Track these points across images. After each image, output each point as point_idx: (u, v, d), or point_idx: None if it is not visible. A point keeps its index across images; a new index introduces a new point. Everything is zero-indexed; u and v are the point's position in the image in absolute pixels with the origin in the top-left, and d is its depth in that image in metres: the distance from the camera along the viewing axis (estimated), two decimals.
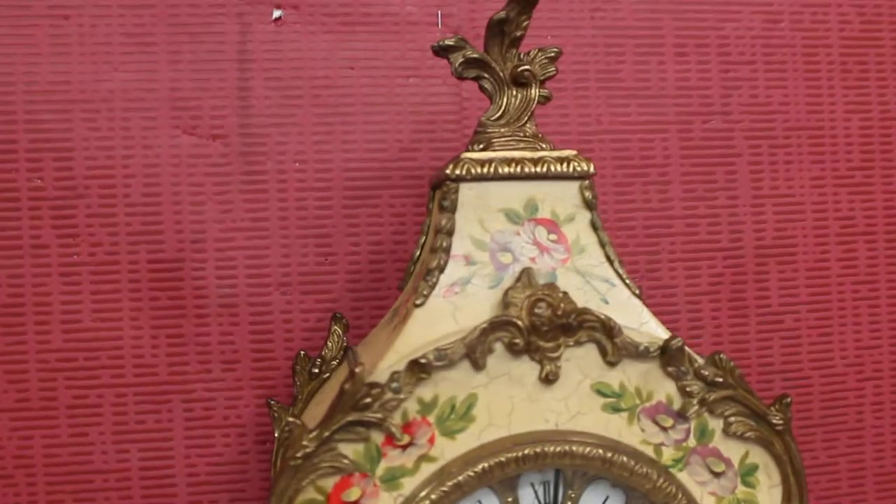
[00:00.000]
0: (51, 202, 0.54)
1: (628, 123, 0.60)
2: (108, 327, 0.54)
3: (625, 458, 0.40)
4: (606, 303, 0.42)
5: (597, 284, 0.42)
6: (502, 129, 0.45)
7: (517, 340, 0.39)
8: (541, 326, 0.39)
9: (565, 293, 0.40)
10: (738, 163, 0.62)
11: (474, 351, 0.39)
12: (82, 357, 0.54)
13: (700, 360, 0.40)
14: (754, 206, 0.62)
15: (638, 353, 0.40)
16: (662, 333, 0.42)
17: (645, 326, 0.42)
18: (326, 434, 0.38)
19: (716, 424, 0.41)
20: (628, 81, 0.60)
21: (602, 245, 0.43)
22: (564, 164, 0.43)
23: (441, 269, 0.42)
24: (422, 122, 0.58)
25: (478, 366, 0.39)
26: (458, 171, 0.42)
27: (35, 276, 0.54)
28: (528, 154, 0.43)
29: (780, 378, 0.63)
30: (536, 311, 0.39)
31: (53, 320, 0.54)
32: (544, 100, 0.48)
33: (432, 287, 0.42)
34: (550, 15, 0.59)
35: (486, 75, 0.46)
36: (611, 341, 0.40)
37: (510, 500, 0.42)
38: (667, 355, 0.40)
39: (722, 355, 0.41)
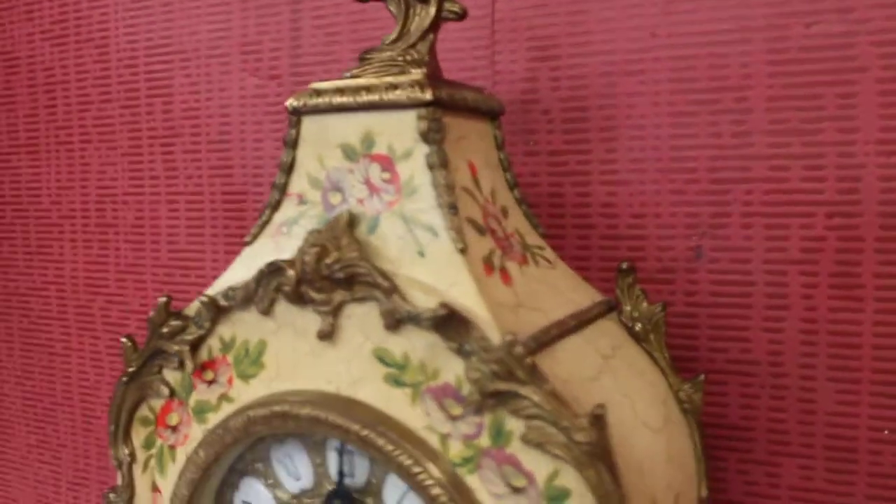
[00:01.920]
0: (161, 140, 0.63)
1: (694, 33, 0.46)
2: (195, 249, 0.62)
3: (397, 448, 0.33)
4: (422, 256, 0.35)
5: (419, 234, 0.35)
6: (385, 54, 0.39)
7: (286, 288, 0.35)
8: (309, 276, 0.35)
9: (353, 241, 0.35)
10: (861, 81, 0.43)
11: (252, 295, 0.37)
12: (178, 273, 0.63)
13: (491, 340, 0.32)
14: (883, 143, 0.43)
15: (410, 318, 0.33)
16: (475, 303, 0.33)
17: (455, 288, 0.34)
18: (143, 359, 0.40)
19: (515, 426, 0.32)
20: None
21: (437, 186, 0.35)
22: (395, 92, 0.36)
23: (274, 207, 0.40)
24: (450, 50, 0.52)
25: (262, 311, 0.37)
26: (295, 103, 0.39)
27: (150, 203, 0.63)
28: (361, 81, 0.37)
29: None
30: (305, 258, 0.35)
31: (161, 241, 0.63)
32: (455, 16, 0.40)
33: (263, 226, 0.40)
34: None
35: None
36: (388, 301, 0.34)
37: (318, 461, 0.38)
38: (443, 327, 0.32)
39: (515, 339, 0.31)
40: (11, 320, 0.71)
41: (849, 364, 0.44)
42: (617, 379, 0.37)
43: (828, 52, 0.44)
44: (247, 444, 0.39)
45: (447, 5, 0.40)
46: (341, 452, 0.37)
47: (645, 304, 0.42)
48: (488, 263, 0.36)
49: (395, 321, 0.34)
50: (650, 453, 0.36)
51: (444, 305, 0.32)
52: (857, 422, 0.45)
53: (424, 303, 0.33)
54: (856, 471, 0.45)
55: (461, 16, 0.41)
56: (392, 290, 0.34)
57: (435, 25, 0.40)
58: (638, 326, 0.42)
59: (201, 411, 0.39)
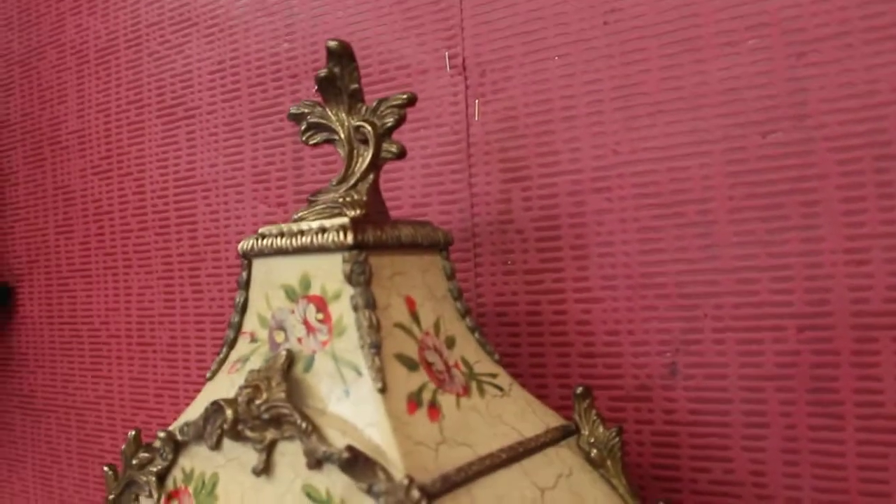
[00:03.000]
0: (189, 264, 0.68)
1: (653, 148, 0.47)
2: None
3: None
4: (347, 395, 0.37)
5: (345, 372, 0.38)
6: (329, 195, 0.42)
7: (226, 426, 0.38)
8: (243, 416, 0.37)
9: (282, 381, 0.37)
10: (822, 189, 0.43)
11: (202, 431, 0.39)
12: None
13: (396, 482, 0.33)
14: (850, 252, 0.42)
15: (326, 458, 0.35)
16: (388, 443, 0.35)
17: (372, 428, 0.35)
18: (121, 487, 0.43)
19: None
20: (653, 93, 0.47)
21: (360, 327, 0.38)
22: (324, 235, 0.39)
23: (230, 345, 0.43)
24: (432, 174, 0.55)
25: (210, 447, 0.39)
26: (245, 247, 0.42)
27: (182, 324, 0.68)
28: (296, 227, 0.40)
29: None
30: (240, 399, 0.38)
31: (191, 360, 0.67)
32: (394, 155, 0.43)
33: (221, 363, 0.43)
34: (557, 30, 0.50)
35: (333, 137, 0.44)
36: (308, 441, 0.36)
37: None
38: (351, 468, 0.34)
39: (412, 481, 0.32)
40: (71, 432, 0.77)
41: (834, 486, 0.42)
42: None
43: (786, 161, 0.43)
44: None
45: (385, 146, 0.43)
46: None
47: (601, 429, 0.42)
48: (414, 400, 0.37)
49: (316, 460, 0.35)
50: None
51: (349, 448, 0.34)
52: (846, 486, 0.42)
53: (341, 443, 0.35)
54: None
55: (399, 155, 0.43)
56: (310, 431, 0.35)
57: (375, 166, 0.42)
58: (594, 452, 0.42)
59: None
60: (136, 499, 0.43)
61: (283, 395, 0.37)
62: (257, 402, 0.37)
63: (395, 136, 0.43)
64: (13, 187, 0.82)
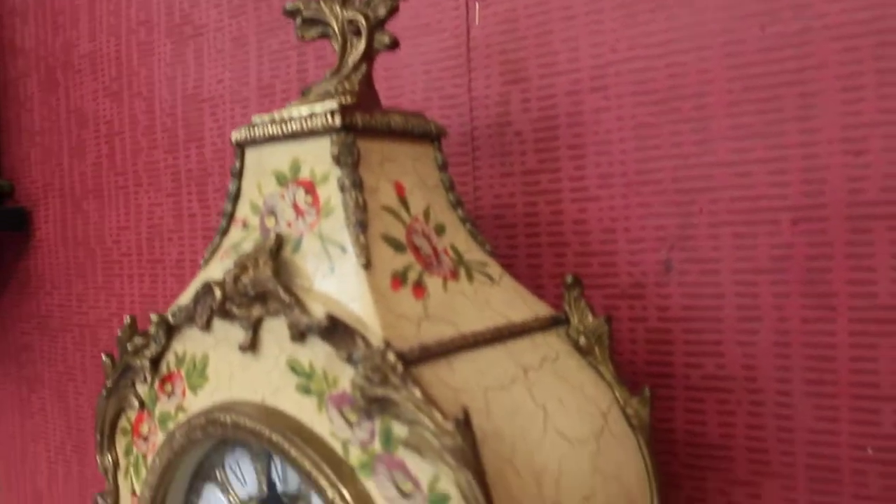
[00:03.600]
0: (196, 180, 0.69)
1: (652, 44, 0.47)
2: None
3: (301, 452, 0.36)
4: (332, 272, 0.38)
5: (331, 251, 0.38)
6: (322, 87, 0.43)
7: (215, 306, 0.39)
8: (230, 294, 0.38)
9: (268, 261, 0.38)
10: (821, 79, 0.42)
11: (193, 313, 0.40)
12: None
13: (372, 347, 0.34)
14: (848, 142, 0.41)
15: (308, 329, 0.36)
16: (370, 315, 0.36)
17: (353, 304, 0.36)
18: (117, 374, 0.45)
19: (401, 431, 0.33)
20: None
21: (346, 206, 0.38)
22: (313, 120, 0.39)
23: (223, 233, 0.43)
24: (432, 79, 0.55)
25: (201, 327, 0.40)
26: (238, 136, 0.43)
27: (189, 239, 0.69)
28: (284, 113, 0.41)
29: (890, 409, 0.41)
30: (226, 278, 0.39)
31: None
32: (386, 46, 0.43)
33: (214, 250, 0.44)
34: None
35: (328, 31, 0.44)
36: (292, 314, 0.36)
37: (259, 469, 0.41)
38: (331, 336, 0.35)
39: (389, 345, 0.33)
40: (85, 350, 0.79)
41: (825, 377, 0.42)
42: (534, 390, 0.38)
43: (785, 52, 0.43)
44: (199, 451, 0.42)
45: (377, 37, 0.43)
46: (270, 458, 0.40)
47: (590, 318, 0.42)
48: (399, 278, 0.38)
49: (299, 333, 0.36)
50: (561, 463, 0.36)
51: (328, 317, 0.35)
52: (837, 440, 0.42)
53: (322, 314, 0.36)
54: (840, 492, 0.42)
55: (392, 45, 0.43)
56: (293, 304, 0.36)
57: (368, 57, 0.43)
58: (582, 340, 0.42)
59: (164, 421, 0.43)
60: (133, 385, 0.45)
61: (269, 272, 0.38)
62: (244, 279, 0.38)
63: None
64: (28, 113, 0.83)
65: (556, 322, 0.43)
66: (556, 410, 0.38)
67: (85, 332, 0.79)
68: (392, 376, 0.33)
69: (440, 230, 0.42)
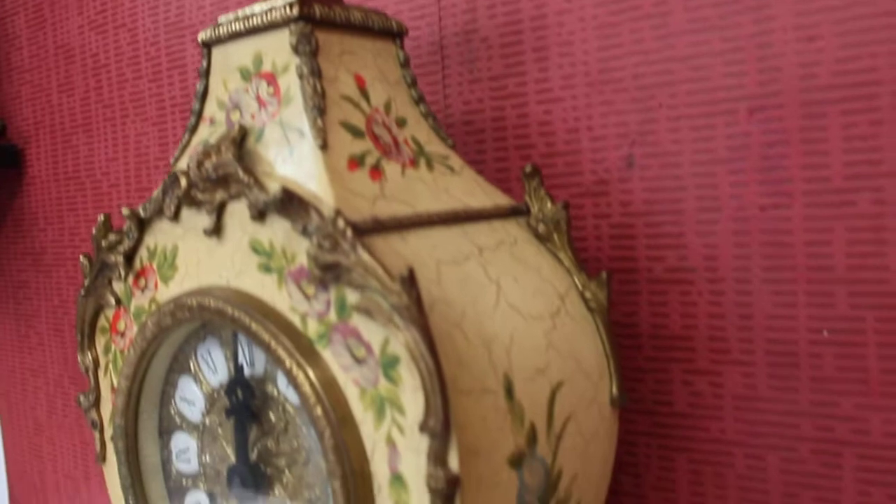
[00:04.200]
0: (180, 107, 0.70)
1: None
2: None
3: (261, 326, 0.37)
4: (291, 155, 0.39)
5: (290, 136, 0.40)
6: None
7: (179, 193, 0.40)
8: (195, 180, 0.40)
9: (230, 147, 0.40)
10: None
11: (161, 204, 0.42)
12: None
13: (324, 217, 0.35)
14: (801, 28, 0.42)
15: (265, 206, 0.37)
16: (325, 191, 0.37)
17: (311, 183, 0.38)
18: (94, 273, 0.46)
19: (353, 297, 0.35)
20: None
21: (304, 92, 0.39)
22: (273, 13, 0.41)
23: (192, 131, 0.45)
24: None
25: (170, 217, 0.42)
26: (204, 36, 0.44)
27: None
28: (247, 10, 0.42)
29: (844, 292, 0.42)
30: (189, 164, 0.40)
31: None
32: None
33: (183, 148, 0.45)
34: None
35: None
36: (252, 194, 0.38)
37: (228, 355, 0.43)
38: (286, 210, 0.36)
39: (340, 212, 0.34)
40: (78, 283, 0.81)
41: (782, 263, 0.44)
42: (489, 267, 0.39)
43: None
44: (172, 342, 0.44)
45: None
46: (237, 343, 0.41)
47: (549, 205, 0.44)
48: (356, 161, 0.39)
49: (258, 212, 0.38)
50: (513, 335, 0.37)
51: (283, 189, 0.36)
52: (795, 324, 0.43)
53: (269, 190, 0.37)
54: (798, 376, 0.44)
55: None
56: (252, 184, 0.38)
57: None
58: (542, 228, 0.43)
59: (139, 315, 0.45)
60: (109, 283, 0.46)
61: (230, 156, 0.39)
62: (206, 164, 0.39)
63: None
64: (17, 51, 0.85)
65: (516, 212, 0.44)
66: (510, 287, 0.39)
67: (78, 266, 0.81)
68: (342, 242, 0.34)
69: (401, 122, 0.44)
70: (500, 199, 0.44)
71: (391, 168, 0.41)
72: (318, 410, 0.35)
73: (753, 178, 0.44)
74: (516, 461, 0.36)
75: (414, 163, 0.42)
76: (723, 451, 0.46)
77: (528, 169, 0.44)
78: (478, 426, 0.34)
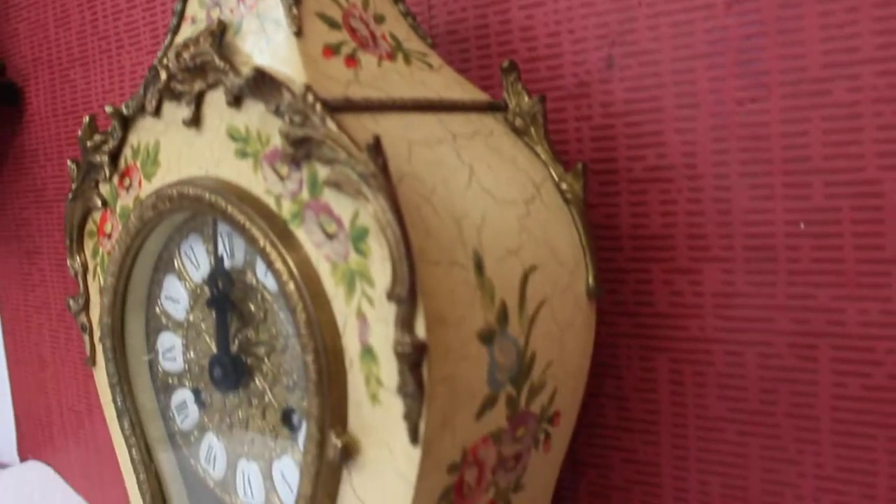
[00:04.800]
0: None
1: None
2: None
3: (237, 209, 0.38)
4: (268, 44, 0.40)
5: (267, 26, 0.40)
6: None
7: (160, 86, 0.41)
8: (173, 71, 0.41)
9: (207, 38, 0.40)
10: None
11: (143, 99, 0.43)
12: None
13: (294, 94, 0.36)
14: None
15: (240, 89, 0.38)
16: (298, 73, 0.38)
17: (285, 67, 0.38)
18: (81, 175, 0.47)
19: (324, 173, 0.36)
20: None
21: None
22: None
23: (174, 31, 0.45)
24: None
25: (151, 112, 0.43)
26: None
27: None
28: None
29: (820, 182, 0.42)
30: (168, 55, 0.41)
31: None
32: None
33: (166, 49, 0.45)
34: None
35: None
36: (227, 79, 0.39)
37: (208, 247, 0.44)
38: (259, 90, 0.37)
39: (310, 88, 0.35)
40: None
41: (759, 157, 0.44)
42: (462, 152, 0.40)
43: None
44: (156, 240, 0.45)
45: None
46: (216, 233, 0.42)
47: (526, 99, 0.44)
48: (331, 49, 0.40)
49: (234, 97, 0.38)
50: (485, 215, 0.38)
51: (255, 69, 0.37)
52: (772, 218, 0.44)
53: (244, 73, 0.38)
54: (775, 270, 0.44)
55: None
56: (227, 69, 0.38)
57: None
58: (518, 121, 0.44)
59: (124, 215, 0.46)
60: (96, 185, 0.47)
61: (208, 45, 0.40)
62: (185, 55, 0.40)
63: None
64: None
65: (493, 107, 0.44)
66: (483, 172, 0.40)
67: None
68: (313, 116, 0.35)
69: (379, 19, 0.44)
70: (479, 95, 0.45)
71: (367, 59, 0.41)
72: (291, 286, 0.36)
73: (731, 73, 0.44)
74: (486, 337, 0.36)
75: (391, 56, 0.43)
76: (702, 349, 0.47)
77: (505, 64, 0.45)
78: (445, 297, 0.35)
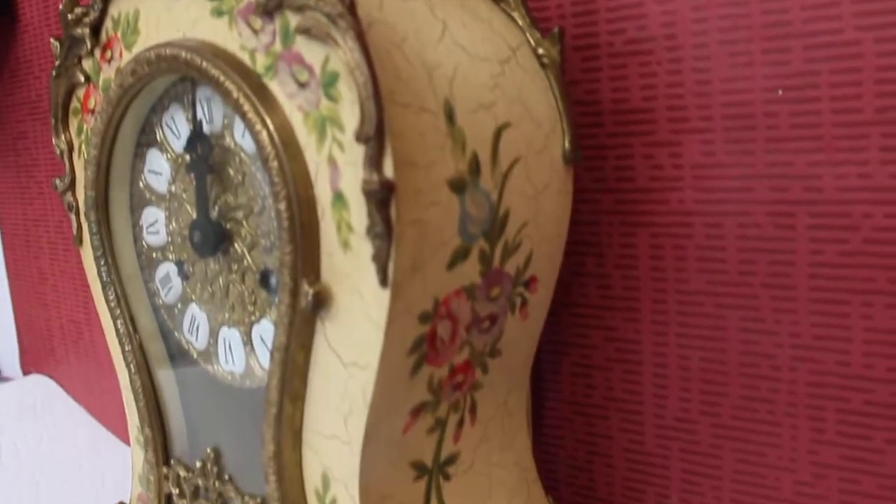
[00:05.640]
0: None
1: None
2: None
3: (211, 64, 0.39)
4: None
5: None
6: None
7: None
8: None
9: None
10: None
11: None
12: None
13: None
14: None
15: None
16: None
17: None
18: (64, 51, 0.48)
19: (295, 21, 0.36)
20: None
21: None
22: None
23: None
24: None
25: None
26: None
27: None
28: None
29: (799, 46, 0.42)
30: None
31: None
32: None
33: None
34: None
35: None
36: None
37: (188, 115, 0.44)
38: None
39: None
40: None
41: (739, 23, 0.44)
42: (436, 9, 0.40)
43: None
44: (137, 111, 0.46)
45: None
46: (195, 96, 0.43)
47: None
48: None
49: None
50: (458, 68, 0.38)
51: None
52: (751, 85, 0.44)
53: None
54: (754, 139, 0.44)
55: None
56: None
57: None
58: None
59: (106, 88, 0.47)
60: (79, 61, 0.48)
61: None
62: None
63: None
64: None
65: None
66: (457, 29, 0.40)
67: None
68: None
69: None
70: None
71: None
72: (264, 135, 0.37)
73: None
74: (457, 185, 0.37)
75: None
76: (682, 222, 0.47)
77: None
78: (415, 140, 0.35)
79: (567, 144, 0.43)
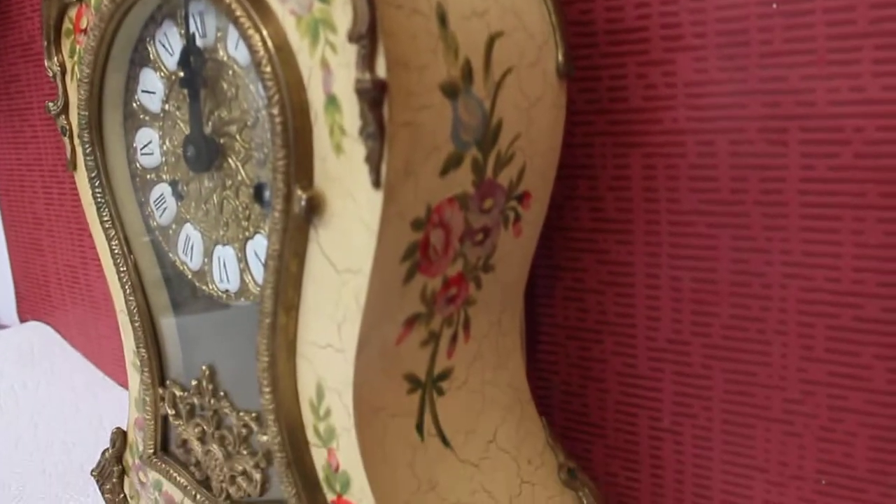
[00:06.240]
0: None
1: None
2: None
3: None
4: None
5: None
6: None
7: None
8: None
9: None
10: None
11: None
12: None
13: None
14: None
15: None
16: None
17: None
18: None
19: None
20: None
21: None
22: None
23: None
24: None
25: None
26: None
27: None
28: None
29: None
30: None
31: None
32: None
33: None
34: None
35: None
36: None
37: (183, 30, 0.44)
38: None
39: None
40: None
41: None
42: None
43: None
44: (130, 28, 0.46)
45: None
46: (188, 9, 0.43)
47: None
48: None
49: None
50: None
51: None
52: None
53: None
54: (748, 54, 0.45)
55: None
56: None
57: None
58: None
59: (98, 6, 0.47)
60: None
61: None
62: None
63: None
64: None
65: None
66: None
67: None
68: None
69: None
70: None
71: None
72: (256, 39, 0.37)
73: None
74: (449, 91, 0.37)
75: None
76: (675, 141, 0.48)
77: None
78: (407, 41, 0.35)
79: (560, 58, 0.43)
